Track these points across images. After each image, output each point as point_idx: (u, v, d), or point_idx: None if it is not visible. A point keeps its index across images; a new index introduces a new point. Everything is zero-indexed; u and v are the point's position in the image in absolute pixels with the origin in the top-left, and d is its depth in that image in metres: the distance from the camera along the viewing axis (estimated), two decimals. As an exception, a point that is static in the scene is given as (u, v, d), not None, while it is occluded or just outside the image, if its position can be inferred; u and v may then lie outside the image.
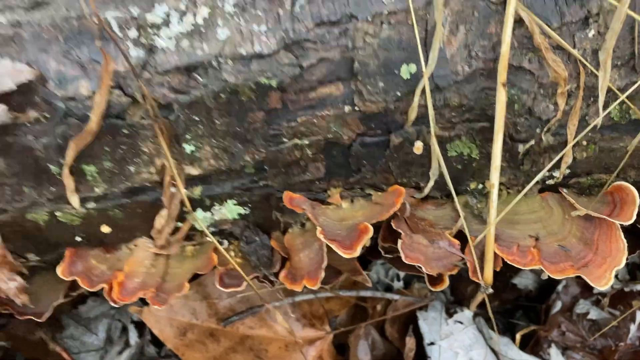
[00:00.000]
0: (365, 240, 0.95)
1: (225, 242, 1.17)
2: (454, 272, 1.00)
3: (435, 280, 1.10)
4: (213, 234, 1.15)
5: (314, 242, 1.13)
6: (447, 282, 1.10)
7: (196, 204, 1.08)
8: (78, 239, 1.13)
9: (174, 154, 0.99)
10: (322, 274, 1.07)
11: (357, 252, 0.95)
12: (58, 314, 1.56)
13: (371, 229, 0.96)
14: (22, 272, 1.12)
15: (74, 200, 1.03)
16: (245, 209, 1.09)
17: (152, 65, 0.94)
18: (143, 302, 1.34)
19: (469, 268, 1.01)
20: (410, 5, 0.91)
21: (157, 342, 1.58)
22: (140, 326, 1.58)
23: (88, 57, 0.94)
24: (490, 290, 1.03)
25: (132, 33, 0.94)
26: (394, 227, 1.01)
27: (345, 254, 0.95)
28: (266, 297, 1.51)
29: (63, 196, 1.04)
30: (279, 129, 0.98)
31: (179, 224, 1.13)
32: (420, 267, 0.97)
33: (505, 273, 1.79)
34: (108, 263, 1.14)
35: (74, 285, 1.24)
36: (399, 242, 0.99)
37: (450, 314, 1.62)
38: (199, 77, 0.94)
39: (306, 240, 1.14)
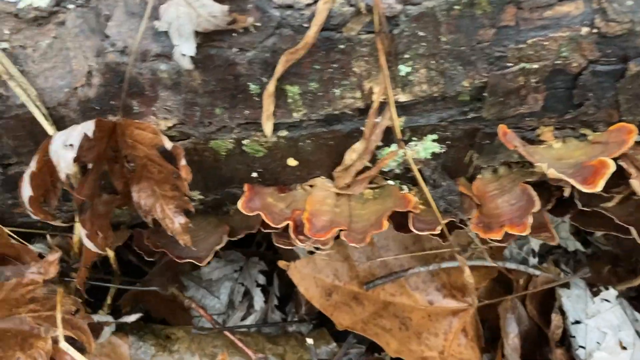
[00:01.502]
0: (607, 176, 0.85)
1: (405, 188, 1.08)
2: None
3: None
4: (396, 176, 1.06)
5: (512, 187, 1.03)
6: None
7: (391, 138, 0.98)
8: (254, 174, 1.04)
9: (383, 76, 0.90)
10: (531, 220, 0.97)
11: (600, 186, 0.85)
12: (178, 274, 1.47)
13: (612, 164, 0.86)
14: (188, 211, 1.03)
15: (268, 126, 0.94)
16: (441, 147, 1.00)
17: (381, -28, 0.85)
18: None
19: None
20: None
21: (282, 308, 1.48)
22: (265, 291, 1.48)
23: (310, -40, 0.86)
24: None
25: (361, -64, 0.85)
26: (625, 167, 0.91)
27: (585, 189, 0.85)
28: (404, 263, 1.42)
29: (255, 121, 0.95)
30: (505, 51, 0.89)
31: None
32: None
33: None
34: (285, 202, 1.05)
35: (233, 230, 1.15)
36: (634, 182, 0.89)
37: (594, 293, 1.52)
38: (430, -13, 0.85)
39: (502, 185, 1.05)
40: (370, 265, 1.39)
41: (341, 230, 0.99)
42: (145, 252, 1.19)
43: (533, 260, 1.62)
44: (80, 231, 0.95)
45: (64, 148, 0.87)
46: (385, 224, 0.96)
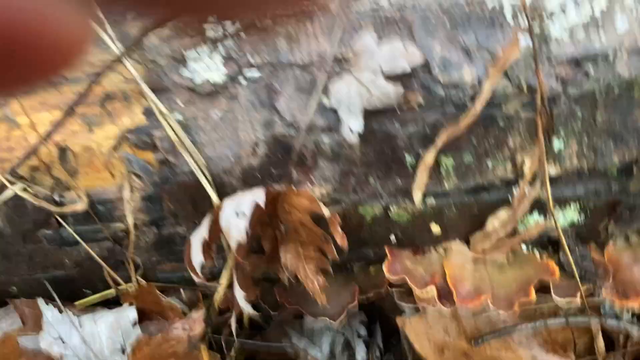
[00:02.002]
0: None
1: (536, 252, 1.10)
2: None
3: None
4: (530, 242, 1.09)
5: (648, 256, 1.06)
6: None
7: (534, 206, 1.02)
8: (392, 237, 1.08)
9: (539, 151, 0.94)
10: (673, 290, 0.99)
11: None
12: (284, 325, 1.50)
13: None
14: (327, 271, 1.07)
15: (418, 195, 0.98)
16: (581, 217, 1.03)
17: (544, 55, 0.90)
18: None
19: None
20: None
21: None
22: (368, 343, 1.50)
23: (475, 43, 0.91)
24: None
25: (523, 22, 0.90)
26: None
27: None
28: (507, 318, 1.43)
29: (406, 190, 0.99)
30: (656, 130, 0.93)
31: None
32: None
33: None
34: (422, 265, 1.08)
35: (361, 289, 1.18)
36: None
37: (694, 352, 1.52)
38: (590, 70, 0.89)
39: (636, 254, 1.07)
40: (475, 321, 1.41)
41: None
42: (270, 307, 1.22)
43: (627, 315, 1.62)
44: (236, 292, 0.99)
45: (236, 216, 0.91)
46: (533, 293, 0.99)
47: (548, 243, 1.09)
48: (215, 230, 0.93)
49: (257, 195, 0.92)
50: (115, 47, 0.91)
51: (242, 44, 0.94)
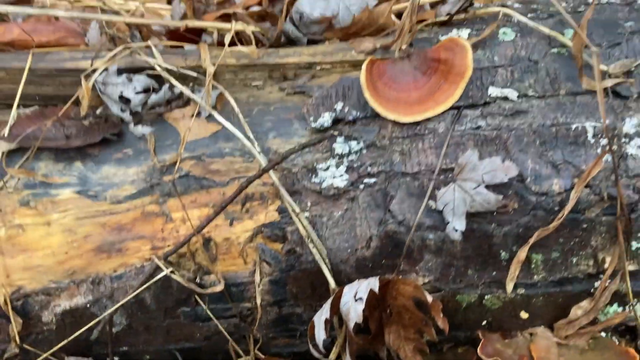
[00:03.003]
0: None
1: (615, 339, 1.22)
2: None
3: None
4: (609, 329, 1.21)
5: None
6: None
7: (615, 299, 1.15)
8: (484, 322, 1.21)
9: (620, 250, 1.08)
10: None
11: None
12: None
13: None
14: (425, 352, 1.21)
15: (510, 286, 1.13)
16: (656, 308, 1.15)
17: (621, 170, 1.06)
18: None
19: None
20: None
21: None
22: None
23: (562, 159, 1.08)
24: None
25: (603, 141, 1.07)
26: None
27: None
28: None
29: (499, 281, 1.14)
30: None
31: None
32: None
33: None
34: (510, 348, 1.21)
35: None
36: None
37: None
38: (662, 183, 1.05)
39: None
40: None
41: (572, 379, 1.13)
42: (365, 382, 1.35)
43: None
44: (349, 368, 1.13)
45: (355, 301, 1.07)
46: (620, 378, 1.11)
47: (625, 331, 1.21)
48: (335, 312, 1.09)
49: (372, 283, 1.08)
50: (262, 161, 1.12)
51: (362, 158, 1.13)
